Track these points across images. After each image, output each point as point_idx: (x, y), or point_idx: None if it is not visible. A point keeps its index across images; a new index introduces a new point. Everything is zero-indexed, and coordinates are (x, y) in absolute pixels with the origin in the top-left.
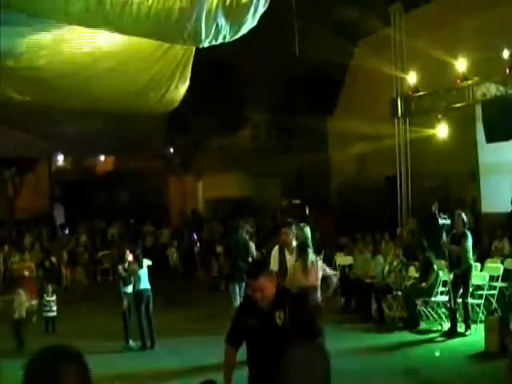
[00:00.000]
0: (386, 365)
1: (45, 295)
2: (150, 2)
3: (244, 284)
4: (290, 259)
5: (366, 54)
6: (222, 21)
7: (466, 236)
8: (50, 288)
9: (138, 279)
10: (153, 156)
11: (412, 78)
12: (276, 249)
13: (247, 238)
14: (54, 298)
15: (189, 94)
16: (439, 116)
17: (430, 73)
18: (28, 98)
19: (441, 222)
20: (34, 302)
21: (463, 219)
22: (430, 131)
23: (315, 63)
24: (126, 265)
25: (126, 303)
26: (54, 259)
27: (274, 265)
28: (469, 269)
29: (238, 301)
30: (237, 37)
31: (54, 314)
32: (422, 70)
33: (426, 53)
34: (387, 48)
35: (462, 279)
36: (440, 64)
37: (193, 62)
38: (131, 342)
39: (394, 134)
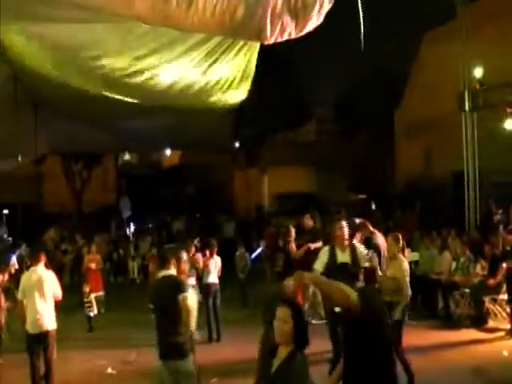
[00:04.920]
0: (453, 363)
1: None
2: (215, 1)
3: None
4: None
5: (431, 47)
6: (287, 18)
7: None
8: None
9: (206, 273)
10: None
11: (479, 70)
12: None
13: None
14: (92, 297)
15: (255, 89)
16: (508, 110)
17: (498, 65)
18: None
19: (496, 217)
20: (101, 293)
21: None
22: (499, 125)
23: (381, 57)
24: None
25: None
26: (121, 252)
27: None
28: None
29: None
30: (302, 34)
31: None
32: (489, 62)
33: (493, 44)
34: (453, 40)
35: None
36: (507, 55)
37: (259, 57)
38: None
39: (461, 128)
